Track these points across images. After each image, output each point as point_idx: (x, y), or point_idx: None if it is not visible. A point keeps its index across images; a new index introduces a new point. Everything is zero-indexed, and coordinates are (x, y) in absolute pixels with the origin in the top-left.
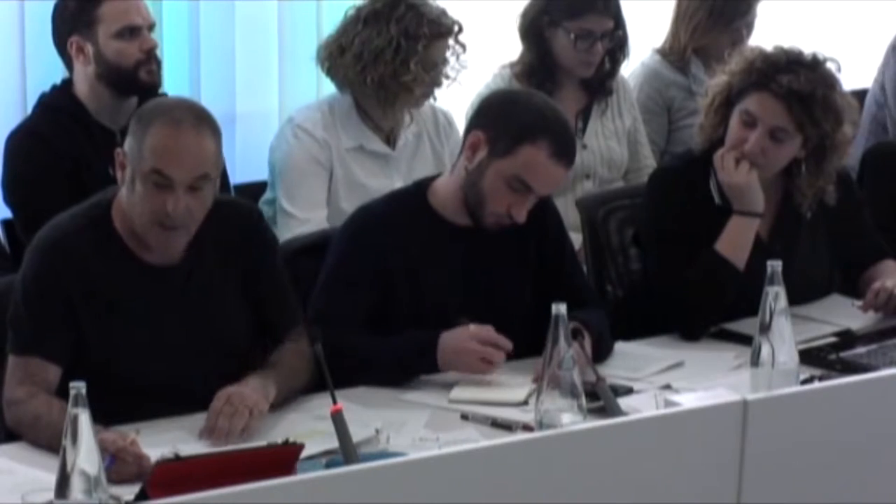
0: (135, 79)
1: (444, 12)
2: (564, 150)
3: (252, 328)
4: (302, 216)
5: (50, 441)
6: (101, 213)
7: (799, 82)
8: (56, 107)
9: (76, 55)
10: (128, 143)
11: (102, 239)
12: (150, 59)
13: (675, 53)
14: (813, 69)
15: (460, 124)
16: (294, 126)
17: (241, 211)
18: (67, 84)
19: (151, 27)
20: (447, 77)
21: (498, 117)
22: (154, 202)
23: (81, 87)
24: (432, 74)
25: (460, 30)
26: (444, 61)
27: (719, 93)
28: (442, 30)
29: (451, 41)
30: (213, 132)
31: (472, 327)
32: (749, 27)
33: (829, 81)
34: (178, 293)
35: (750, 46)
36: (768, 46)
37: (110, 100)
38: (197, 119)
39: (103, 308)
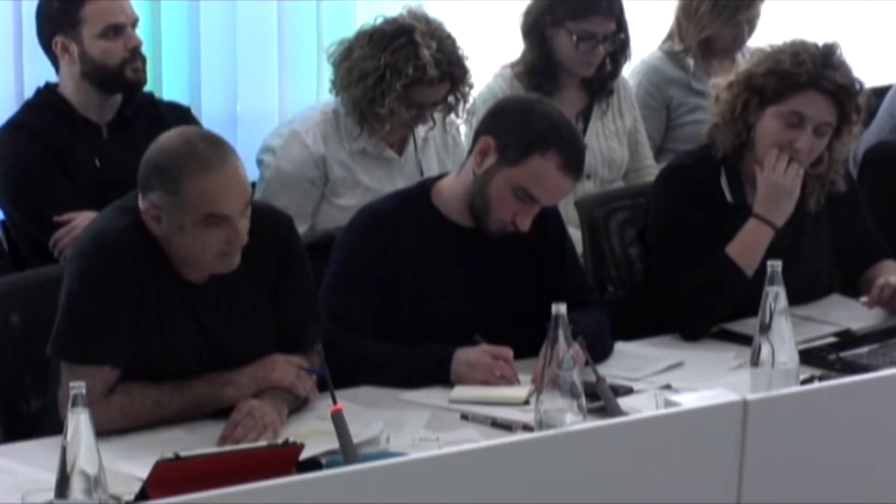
0: (121, 77)
1: (442, 60)
2: (574, 163)
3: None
4: None
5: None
6: (134, 223)
7: (844, 76)
8: (40, 105)
9: (61, 54)
10: (157, 197)
11: (141, 250)
12: (136, 56)
13: (685, 46)
14: (838, 59)
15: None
16: (290, 133)
17: (272, 218)
18: (52, 85)
19: (135, 23)
20: (458, 115)
21: (510, 125)
22: (217, 240)
23: (67, 85)
24: (413, 113)
25: (455, 81)
26: (435, 104)
27: (740, 97)
28: (424, 77)
29: (442, 89)
30: (232, 151)
31: (486, 346)
32: (751, 23)
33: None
34: (210, 306)
35: (765, 46)
36: (780, 43)
37: (96, 96)
38: (218, 150)
39: (143, 320)
